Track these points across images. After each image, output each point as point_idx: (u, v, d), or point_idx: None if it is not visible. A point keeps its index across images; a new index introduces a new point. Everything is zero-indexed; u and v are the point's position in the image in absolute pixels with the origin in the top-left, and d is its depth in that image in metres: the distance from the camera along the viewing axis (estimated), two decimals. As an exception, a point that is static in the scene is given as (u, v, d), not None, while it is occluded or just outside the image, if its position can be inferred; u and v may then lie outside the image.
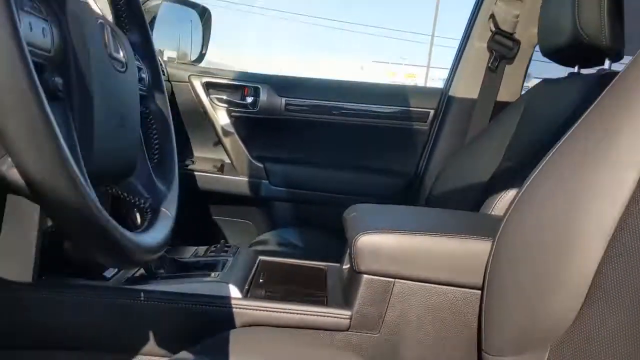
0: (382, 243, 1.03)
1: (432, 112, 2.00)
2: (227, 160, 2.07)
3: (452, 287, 1.04)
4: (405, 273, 1.04)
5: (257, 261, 1.28)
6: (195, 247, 1.35)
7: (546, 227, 0.75)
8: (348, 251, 1.08)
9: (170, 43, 2.17)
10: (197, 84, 2.01)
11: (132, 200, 0.78)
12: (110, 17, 0.84)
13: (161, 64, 1.96)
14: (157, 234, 0.70)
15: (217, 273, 1.13)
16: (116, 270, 1.15)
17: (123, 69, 0.72)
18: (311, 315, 1.06)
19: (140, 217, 0.78)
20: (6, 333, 1.02)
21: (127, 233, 0.60)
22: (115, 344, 1.06)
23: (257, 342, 0.98)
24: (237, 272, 1.16)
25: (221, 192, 2.07)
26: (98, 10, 0.72)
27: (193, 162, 2.07)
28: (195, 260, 1.25)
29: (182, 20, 2.17)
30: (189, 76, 2.02)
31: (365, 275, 1.05)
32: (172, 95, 2.02)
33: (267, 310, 1.06)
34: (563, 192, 0.74)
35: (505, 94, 1.90)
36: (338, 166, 2.06)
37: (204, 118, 2.03)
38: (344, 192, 2.01)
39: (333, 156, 2.07)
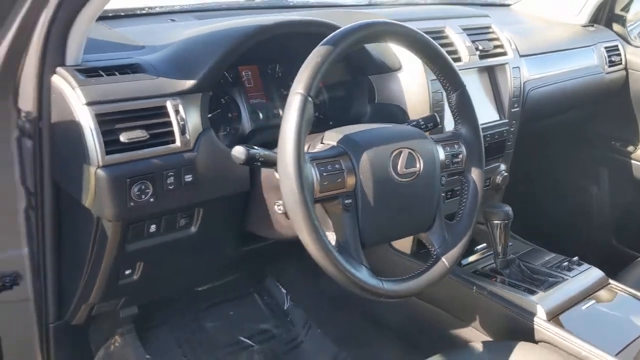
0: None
1: None
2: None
3: None
4: None
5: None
6: (554, 254, 1.56)
7: None
8: None
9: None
10: (653, 75, 1.98)
11: (428, 248, 1.13)
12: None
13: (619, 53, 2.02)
14: (416, 283, 1.05)
15: (540, 293, 1.36)
16: (469, 260, 1.53)
17: (411, 178, 1.04)
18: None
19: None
20: None
21: (378, 285, 0.98)
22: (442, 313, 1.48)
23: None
24: (557, 294, 1.37)
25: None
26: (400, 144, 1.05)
27: (636, 148, 2.10)
28: (538, 268, 1.49)
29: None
30: (647, 65, 2.00)
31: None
32: (625, 82, 2.05)
33: (558, 337, 1.27)
34: None
35: None
36: None
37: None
38: None
39: None
